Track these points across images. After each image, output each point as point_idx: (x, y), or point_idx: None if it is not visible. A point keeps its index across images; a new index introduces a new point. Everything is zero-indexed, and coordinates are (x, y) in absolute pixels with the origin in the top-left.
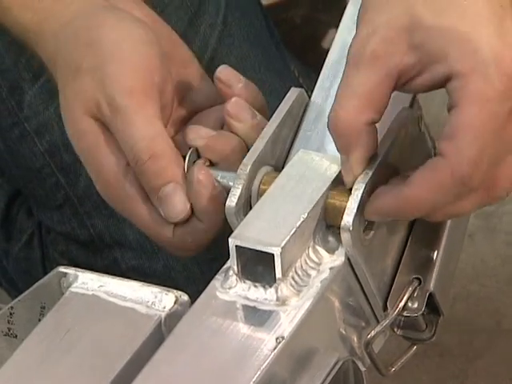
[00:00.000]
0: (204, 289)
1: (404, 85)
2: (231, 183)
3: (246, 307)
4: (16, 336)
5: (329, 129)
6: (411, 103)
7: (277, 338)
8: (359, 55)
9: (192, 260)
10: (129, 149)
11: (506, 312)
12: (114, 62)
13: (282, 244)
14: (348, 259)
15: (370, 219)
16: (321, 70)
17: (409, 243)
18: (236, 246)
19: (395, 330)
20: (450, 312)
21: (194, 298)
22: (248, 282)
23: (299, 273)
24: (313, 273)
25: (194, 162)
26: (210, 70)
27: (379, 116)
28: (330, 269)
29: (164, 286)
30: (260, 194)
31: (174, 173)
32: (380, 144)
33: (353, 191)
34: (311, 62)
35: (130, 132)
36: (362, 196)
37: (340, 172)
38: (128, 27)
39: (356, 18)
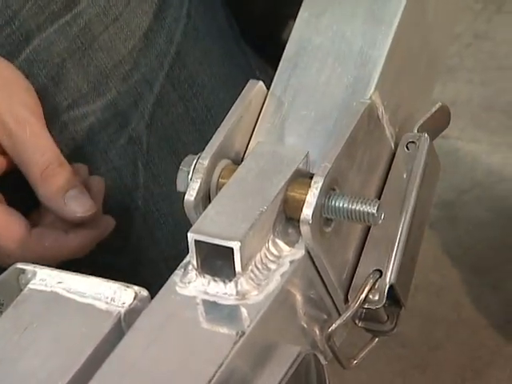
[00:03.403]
0: None
1: None
2: None
3: (205, 302)
4: None
5: None
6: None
7: (237, 333)
8: None
9: (159, 256)
10: (39, 156)
11: (467, 302)
12: (7, 87)
13: (241, 238)
14: (308, 252)
15: None
16: (279, 61)
17: (369, 235)
18: (195, 240)
19: (357, 322)
20: (411, 302)
21: None
22: (207, 276)
23: (259, 266)
24: (273, 266)
25: None
26: (176, 65)
27: None
28: (290, 262)
29: (131, 282)
30: (219, 187)
31: (78, 180)
32: (338, 136)
33: (312, 184)
34: (270, 53)
35: (40, 142)
36: (321, 189)
37: (300, 164)
38: None
39: (313, 10)
